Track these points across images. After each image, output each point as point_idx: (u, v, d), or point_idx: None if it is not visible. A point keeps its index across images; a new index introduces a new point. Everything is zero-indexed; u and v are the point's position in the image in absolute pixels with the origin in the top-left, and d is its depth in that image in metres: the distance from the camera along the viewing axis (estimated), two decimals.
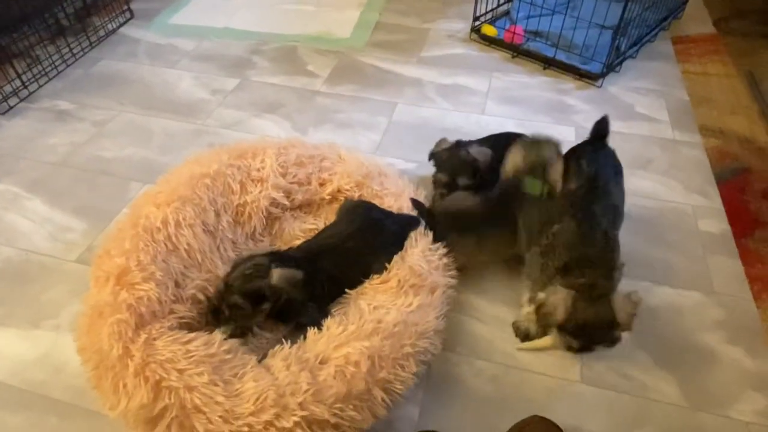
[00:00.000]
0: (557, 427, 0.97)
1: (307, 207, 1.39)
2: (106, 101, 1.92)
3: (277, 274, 1.04)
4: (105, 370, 0.93)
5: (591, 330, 1.03)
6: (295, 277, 1.06)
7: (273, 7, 2.49)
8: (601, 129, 1.28)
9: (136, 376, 0.91)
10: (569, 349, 1.07)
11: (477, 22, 2.20)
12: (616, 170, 1.25)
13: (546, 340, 1.12)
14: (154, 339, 0.97)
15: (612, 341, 1.04)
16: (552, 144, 1.22)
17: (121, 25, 2.36)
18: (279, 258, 1.10)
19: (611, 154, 1.27)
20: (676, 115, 1.81)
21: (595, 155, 1.23)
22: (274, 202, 1.30)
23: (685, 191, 1.53)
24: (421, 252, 1.18)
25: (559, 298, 1.03)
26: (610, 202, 1.17)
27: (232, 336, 1.03)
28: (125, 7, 2.40)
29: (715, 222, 1.43)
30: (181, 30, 2.34)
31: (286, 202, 1.32)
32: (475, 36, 2.21)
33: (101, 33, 2.27)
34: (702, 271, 1.31)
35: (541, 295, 1.07)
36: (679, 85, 1.95)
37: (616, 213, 1.18)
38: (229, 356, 0.98)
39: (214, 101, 1.90)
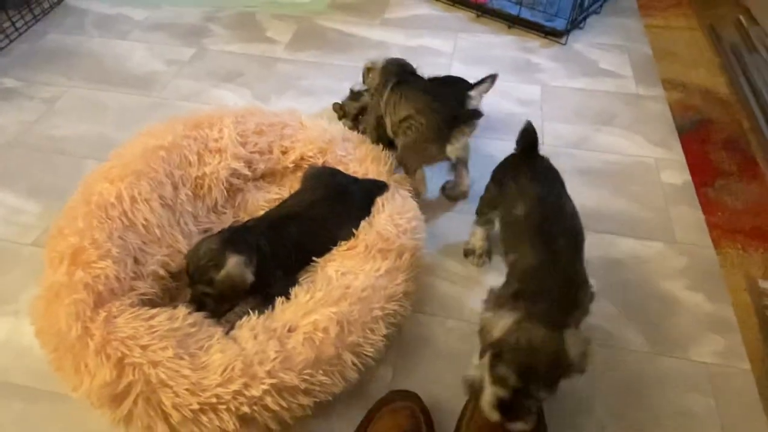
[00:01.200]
0: None
1: (270, 177, 1.35)
2: (55, 77, 1.82)
3: (224, 271, 1.00)
4: (65, 351, 0.91)
5: (532, 360, 0.79)
6: (243, 279, 1.02)
7: None
8: (528, 137, 1.09)
9: (97, 354, 0.88)
10: (497, 399, 0.81)
11: None
12: (561, 183, 1.08)
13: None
14: (115, 317, 0.94)
15: (555, 383, 0.81)
16: None
17: None
18: (238, 234, 1.07)
19: (548, 165, 1.10)
20: (639, 69, 1.81)
21: (535, 171, 1.06)
22: (235, 173, 1.26)
23: (648, 144, 1.54)
24: (388, 216, 1.16)
25: (500, 315, 0.85)
26: (568, 223, 0.99)
27: (196, 309, 1.01)
28: None
29: (677, 173, 1.45)
30: None
31: (248, 173, 1.28)
32: None
33: (45, 5, 2.13)
34: (664, 221, 1.33)
35: (486, 315, 0.89)
36: (643, 39, 1.95)
37: (577, 235, 0.99)
38: (194, 330, 0.96)
39: (170, 72, 1.82)
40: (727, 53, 1.83)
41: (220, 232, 1.09)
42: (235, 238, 1.06)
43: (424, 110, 1.24)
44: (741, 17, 1.84)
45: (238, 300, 1.07)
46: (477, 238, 1.23)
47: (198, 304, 1.02)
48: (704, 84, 1.75)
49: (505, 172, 1.11)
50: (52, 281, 0.98)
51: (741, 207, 1.36)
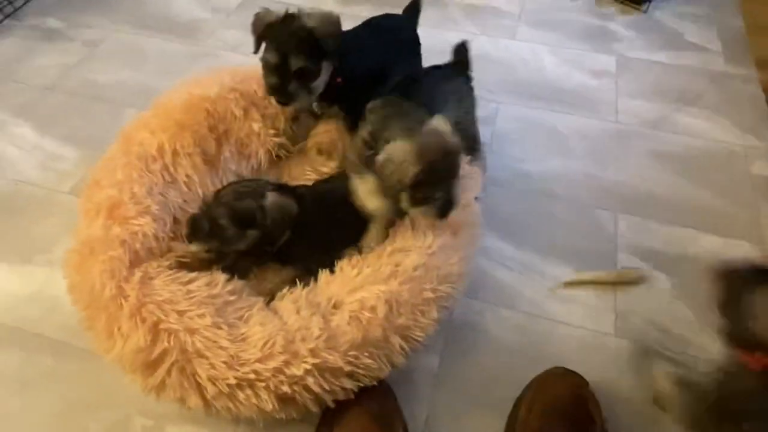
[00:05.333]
0: (582, 380, 0.90)
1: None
2: (98, 19, 1.75)
3: (271, 198, 0.92)
4: (97, 311, 0.85)
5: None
6: (290, 208, 0.94)
7: None
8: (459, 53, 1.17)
9: (132, 317, 0.82)
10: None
11: None
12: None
13: (596, 275, 1.02)
14: (151, 278, 0.88)
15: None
16: None
17: None
18: (283, 189, 0.98)
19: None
20: (729, 45, 1.62)
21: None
22: (283, 146, 1.18)
23: (737, 130, 1.38)
24: None
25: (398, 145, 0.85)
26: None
27: (229, 272, 0.94)
28: None
29: None
30: None
31: (293, 149, 1.20)
32: None
33: None
34: (752, 218, 1.19)
35: (379, 158, 0.86)
36: (735, 11, 1.74)
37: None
38: (233, 298, 0.89)
39: (215, 20, 1.72)
40: None
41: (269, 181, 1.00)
42: (283, 189, 0.98)
43: None
44: None
45: (244, 245, 0.95)
46: None
47: (196, 228, 0.93)
48: None
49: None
50: (87, 235, 0.92)
51: None
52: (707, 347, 0.99)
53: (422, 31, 1.72)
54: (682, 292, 1.07)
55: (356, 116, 1.03)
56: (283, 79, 0.99)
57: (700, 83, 1.50)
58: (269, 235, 0.94)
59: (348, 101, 1.11)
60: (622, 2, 1.76)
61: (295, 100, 1.02)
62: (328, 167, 1.19)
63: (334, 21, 1.01)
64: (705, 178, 1.26)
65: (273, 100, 1.05)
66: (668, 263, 1.11)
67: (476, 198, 1.06)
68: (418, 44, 1.25)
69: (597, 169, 1.28)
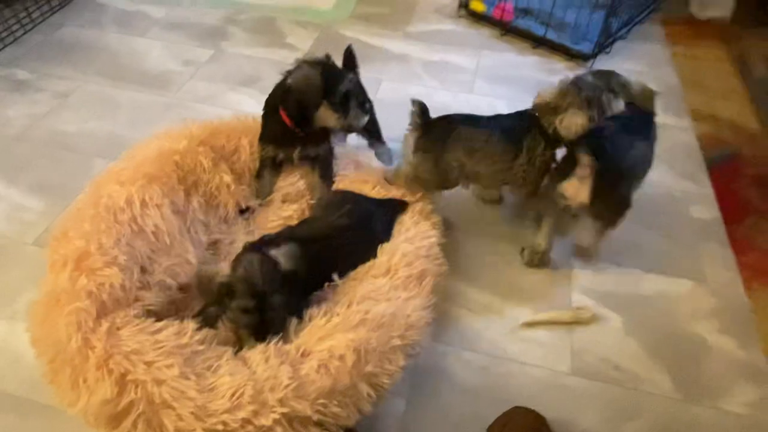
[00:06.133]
0: (540, 417, 0.94)
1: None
2: (69, 71, 1.78)
3: (284, 257, 0.97)
4: (62, 363, 0.85)
5: None
6: (295, 251, 0.99)
7: None
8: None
9: (98, 368, 0.83)
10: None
11: None
12: None
13: (552, 315, 1.09)
14: (119, 328, 0.88)
15: None
16: None
17: None
18: (270, 243, 1.02)
19: None
20: (666, 98, 1.76)
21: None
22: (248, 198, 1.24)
23: (676, 176, 1.49)
24: (410, 239, 1.11)
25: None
26: None
27: (204, 325, 0.95)
28: None
29: (705, 208, 1.40)
30: None
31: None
32: (463, 11, 2.13)
33: None
34: (694, 258, 1.28)
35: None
36: (670, 67, 1.91)
37: None
38: (202, 347, 0.90)
39: (187, 73, 1.77)
40: (757, 87, 1.79)
41: (248, 248, 1.03)
42: (270, 243, 1.02)
43: None
44: None
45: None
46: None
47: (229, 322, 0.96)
48: (734, 117, 1.70)
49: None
50: (53, 286, 0.92)
51: None
52: (658, 382, 1.05)
53: (387, 85, 1.82)
54: (633, 330, 1.13)
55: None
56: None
57: None
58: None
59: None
60: (570, 59, 1.91)
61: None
62: (291, 210, 1.24)
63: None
64: (649, 222, 1.35)
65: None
66: (619, 302, 1.18)
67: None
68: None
69: None
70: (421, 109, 1.16)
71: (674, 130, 1.64)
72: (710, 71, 1.90)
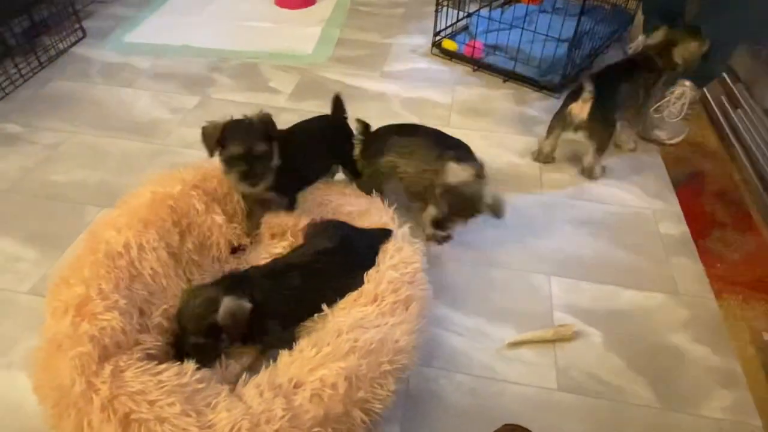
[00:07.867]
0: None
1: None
2: (58, 123, 1.83)
3: (222, 310, 1.01)
4: (66, 407, 0.87)
5: None
6: (242, 309, 1.02)
7: (231, 25, 2.46)
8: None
9: (103, 410, 0.85)
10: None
11: (437, 37, 2.24)
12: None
13: (536, 334, 1.14)
14: (122, 371, 0.91)
15: None
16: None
17: (73, 44, 2.28)
18: (235, 281, 1.07)
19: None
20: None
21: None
22: (240, 236, 1.30)
23: (645, 196, 1.58)
24: (394, 266, 1.16)
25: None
26: None
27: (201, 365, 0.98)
28: (77, 26, 2.32)
29: (674, 225, 1.49)
30: (136, 48, 2.27)
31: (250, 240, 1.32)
32: (436, 51, 2.25)
33: (52, 53, 2.18)
34: (666, 272, 1.35)
35: None
36: None
37: None
38: (201, 386, 0.93)
39: (174, 120, 1.84)
40: (714, 108, 1.91)
41: (215, 281, 1.08)
42: (234, 281, 1.07)
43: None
44: (725, 75, 1.94)
45: (237, 340, 1.05)
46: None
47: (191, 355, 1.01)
48: (694, 137, 1.81)
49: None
50: (54, 332, 0.95)
51: (739, 258, 1.39)
52: (640, 393, 1.10)
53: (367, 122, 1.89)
54: (613, 344, 1.19)
55: (292, 199, 1.31)
56: (251, 164, 1.17)
57: (610, 158, 1.72)
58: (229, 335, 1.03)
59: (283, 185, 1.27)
60: (539, 90, 2.02)
61: (263, 179, 1.19)
62: (281, 247, 1.29)
63: (268, 116, 1.23)
64: (621, 240, 1.43)
65: (241, 187, 1.22)
66: (598, 318, 1.24)
67: None
68: (351, 134, 1.44)
69: (529, 237, 1.43)
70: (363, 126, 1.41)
71: (641, 153, 1.74)
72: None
